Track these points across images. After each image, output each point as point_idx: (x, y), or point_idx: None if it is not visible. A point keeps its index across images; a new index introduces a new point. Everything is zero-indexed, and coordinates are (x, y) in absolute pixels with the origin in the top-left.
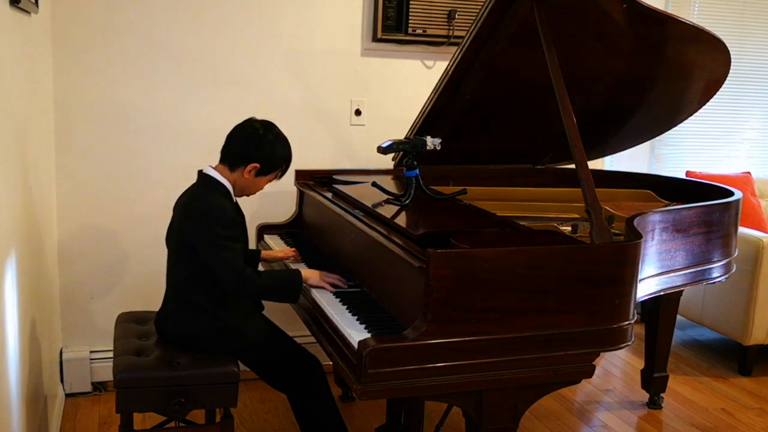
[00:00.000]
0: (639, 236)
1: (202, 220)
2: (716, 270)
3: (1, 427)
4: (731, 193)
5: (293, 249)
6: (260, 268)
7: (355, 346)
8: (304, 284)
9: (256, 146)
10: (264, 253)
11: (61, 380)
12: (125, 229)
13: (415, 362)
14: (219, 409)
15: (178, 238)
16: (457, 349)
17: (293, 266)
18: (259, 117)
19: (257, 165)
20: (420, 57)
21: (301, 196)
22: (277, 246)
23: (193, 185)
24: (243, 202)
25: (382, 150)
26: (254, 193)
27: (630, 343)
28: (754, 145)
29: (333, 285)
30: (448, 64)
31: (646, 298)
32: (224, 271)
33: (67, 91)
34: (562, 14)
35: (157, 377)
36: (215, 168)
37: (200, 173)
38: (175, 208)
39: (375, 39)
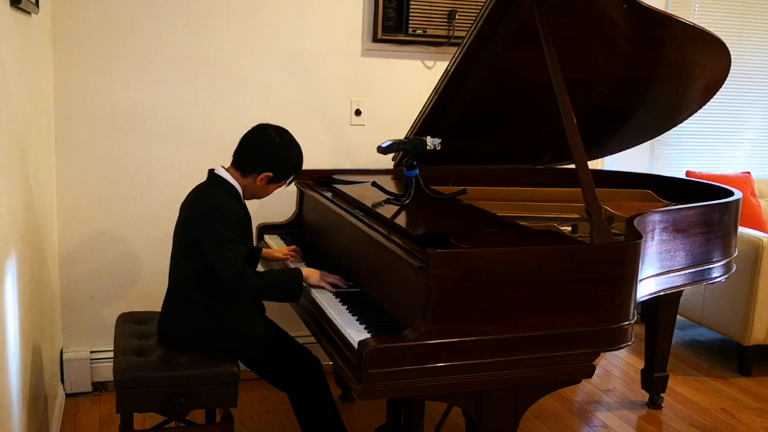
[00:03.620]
0: (639, 236)
1: (209, 218)
2: (716, 270)
3: (2, 427)
4: (731, 193)
5: (292, 247)
6: (259, 266)
7: (355, 346)
8: (304, 283)
9: (272, 155)
10: (265, 252)
11: (62, 380)
12: (126, 230)
13: (415, 362)
14: (219, 409)
15: (184, 234)
16: (457, 349)
17: (293, 265)
18: (260, 117)
19: (270, 174)
20: (420, 57)
21: (301, 196)
22: (277, 246)
23: (203, 183)
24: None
25: (382, 150)
26: (262, 198)
27: (630, 343)
28: (754, 145)
29: (333, 285)
30: (449, 65)
31: (646, 298)
32: (226, 270)
33: (67, 91)
34: (562, 14)
35: (157, 377)
36: (227, 169)
37: (211, 172)
38: (182, 207)
39: (375, 39)
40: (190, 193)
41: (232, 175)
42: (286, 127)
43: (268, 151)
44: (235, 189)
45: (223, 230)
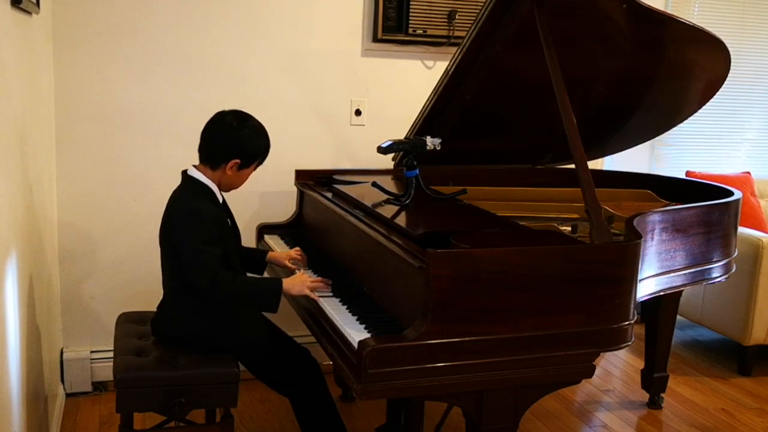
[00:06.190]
0: (639, 236)
1: (182, 222)
2: (716, 270)
3: (2, 426)
4: (731, 193)
5: (297, 250)
6: (265, 273)
7: (355, 346)
8: (285, 295)
9: (233, 141)
10: (270, 255)
11: (62, 380)
12: (125, 229)
13: (414, 362)
14: (219, 409)
15: (164, 240)
16: (457, 349)
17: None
18: (260, 117)
19: (238, 161)
20: (420, 57)
21: (301, 196)
22: (277, 246)
23: (178, 187)
24: (243, 202)
25: (382, 150)
26: (241, 185)
27: (630, 343)
28: (754, 145)
29: (319, 290)
30: (449, 65)
31: (646, 298)
32: (195, 272)
33: (67, 91)
34: (562, 14)
35: (157, 377)
36: (198, 168)
37: (184, 174)
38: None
39: (375, 39)
40: (170, 195)
41: (204, 173)
42: (286, 127)
43: (229, 137)
44: (209, 189)
45: (196, 233)
